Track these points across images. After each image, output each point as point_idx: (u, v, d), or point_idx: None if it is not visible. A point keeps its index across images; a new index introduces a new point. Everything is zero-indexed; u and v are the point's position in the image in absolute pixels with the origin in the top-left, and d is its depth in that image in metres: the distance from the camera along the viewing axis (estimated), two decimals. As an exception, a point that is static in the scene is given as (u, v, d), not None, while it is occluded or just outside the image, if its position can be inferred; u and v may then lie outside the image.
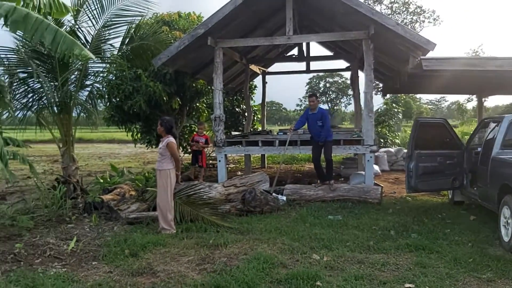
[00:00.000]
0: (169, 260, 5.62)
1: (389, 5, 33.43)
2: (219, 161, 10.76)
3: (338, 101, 78.82)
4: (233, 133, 15.51)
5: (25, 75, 9.64)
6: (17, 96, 9.49)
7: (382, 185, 10.83)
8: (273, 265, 5.33)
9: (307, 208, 8.60)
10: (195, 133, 12.69)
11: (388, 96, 23.20)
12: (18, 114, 9.51)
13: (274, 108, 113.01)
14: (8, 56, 9.47)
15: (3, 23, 5.26)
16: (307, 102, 9.85)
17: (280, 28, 13.03)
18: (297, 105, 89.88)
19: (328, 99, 77.95)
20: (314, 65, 16.84)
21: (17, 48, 9.45)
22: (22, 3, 5.88)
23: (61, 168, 9.97)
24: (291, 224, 7.39)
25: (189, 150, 13.60)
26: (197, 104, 14.20)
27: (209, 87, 13.35)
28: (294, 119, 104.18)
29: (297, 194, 9.44)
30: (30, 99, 9.64)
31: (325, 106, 77.74)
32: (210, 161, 15.45)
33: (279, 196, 9.23)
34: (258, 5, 10.52)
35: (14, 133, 8.87)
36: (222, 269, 5.23)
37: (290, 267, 5.28)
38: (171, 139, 6.98)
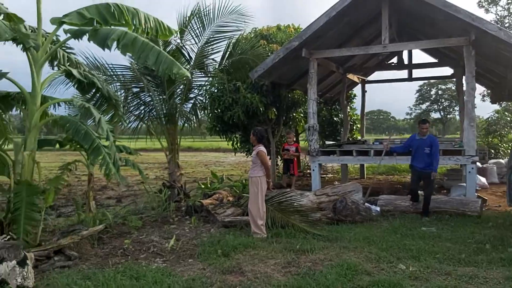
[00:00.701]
0: (257, 262, 5.95)
1: (506, 6, 30.99)
2: (313, 170, 10.95)
3: (451, 109, 74.10)
4: (327, 142, 15.56)
5: (138, 89, 10.77)
6: (131, 108, 10.61)
7: (486, 198, 10.20)
8: (356, 272, 5.40)
9: (401, 219, 8.44)
10: (285, 142, 13.03)
11: (503, 104, 21.64)
12: (131, 125, 10.62)
13: (381, 117, 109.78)
14: (124, 73, 10.66)
15: (116, 46, 6.04)
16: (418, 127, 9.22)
17: (377, 37, 12.91)
18: (407, 113, 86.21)
19: (440, 107, 73.70)
20: (417, 73, 16.37)
21: (131, 66, 10.59)
22: (133, 28, 6.66)
23: (167, 174, 10.89)
24: (381, 234, 7.33)
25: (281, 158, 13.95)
26: (294, 114, 14.53)
27: (305, 97, 13.62)
28: (403, 128, 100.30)
29: (392, 205, 9.29)
30: (142, 111, 10.72)
31: (437, 115, 73.85)
32: (308, 171, 15.66)
33: (372, 207, 9.16)
34: (352, 16, 10.60)
35: (128, 142, 9.92)
36: (305, 273, 5.43)
37: (373, 275, 5.32)
38: (261, 147, 7.37)
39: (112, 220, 8.01)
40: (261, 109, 11.76)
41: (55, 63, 7.13)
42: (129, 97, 10.64)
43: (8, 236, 5.79)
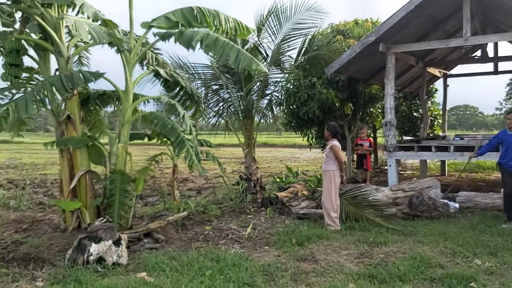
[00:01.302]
0: (330, 252, 6.16)
1: None
2: (390, 166, 10.86)
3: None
4: (405, 138, 15.24)
5: (217, 87, 11.31)
6: (211, 105, 11.18)
7: None
8: (429, 265, 5.44)
9: (480, 216, 8.19)
10: (358, 137, 12.97)
11: None
12: (211, 121, 11.21)
13: (468, 112, 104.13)
14: (204, 71, 11.26)
15: (199, 46, 6.52)
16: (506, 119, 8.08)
17: (460, 30, 12.44)
18: (497, 108, 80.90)
19: (535, 102, 68.49)
20: (504, 66, 15.51)
21: (211, 64, 11.16)
22: (214, 28, 7.10)
23: (244, 168, 11.35)
24: (458, 230, 7.21)
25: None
26: (371, 109, 14.40)
27: (383, 92, 13.46)
28: (492, 125, 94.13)
29: (471, 201, 9.02)
30: (221, 108, 11.26)
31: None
32: (385, 167, 15.45)
33: (451, 203, 8.95)
34: (432, 9, 10.35)
35: (207, 137, 10.50)
36: (378, 264, 5.56)
37: (447, 269, 5.32)
38: (335, 142, 7.53)
39: (194, 208, 8.58)
40: (336, 104, 11.84)
41: (144, 63, 7.80)
42: (209, 94, 11.22)
43: (105, 219, 6.47)
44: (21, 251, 6.29)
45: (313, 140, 14.98)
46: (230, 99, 10.99)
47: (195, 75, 11.09)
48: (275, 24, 10.38)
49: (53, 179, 16.10)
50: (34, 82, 7.53)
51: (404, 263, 5.47)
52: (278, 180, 11.67)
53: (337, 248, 6.35)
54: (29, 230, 8.27)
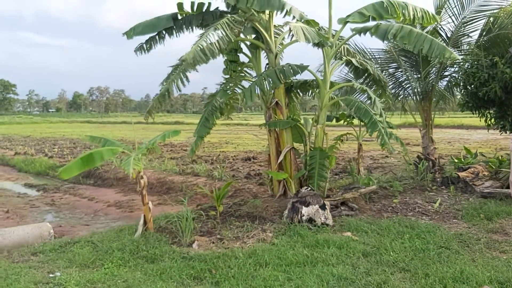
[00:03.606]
0: (520, 227, 6.51)
1: None
2: None
3: None
4: None
5: (393, 70, 11.85)
6: (389, 87, 11.79)
7: None
8: None
9: None
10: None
11: None
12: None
13: None
14: (380, 55, 11.89)
15: (392, 39, 7.28)
16: None
17: None
18: None
19: None
20: None
21: (387, 49, 11.73)
22: (402, 18, 7.76)
23: (421, 148, 11.78)
24: None
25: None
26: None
27: None
28: None
29: None
30: (398, 90, 11.80)
31: None
32: None
33: None
34: None
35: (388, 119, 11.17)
36: None
37: None
38: (527, 123, 7.63)
39: (377, 184, 9.44)
40: (520, 84, 11.41)
41: (338, 54, 8.82)
42: (386, 77, 11.82)
43: (309, 188, 7.73)
44: (244, 210, 7.93)
45: (492, 120, 14.49)
46: (406, 81, 11.45)
47: (372, 60, 11.77)
48: (456, 5, 10.49)
49: (232, 156, 18.43)
50: (243, 74, 9.12)
51: None
52: (456, 160, 11.83)
53: (527, 224, 6.64)
54: (234, 197, 10.08)
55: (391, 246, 5.78)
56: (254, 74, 9.06)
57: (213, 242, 6.34)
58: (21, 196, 12.82)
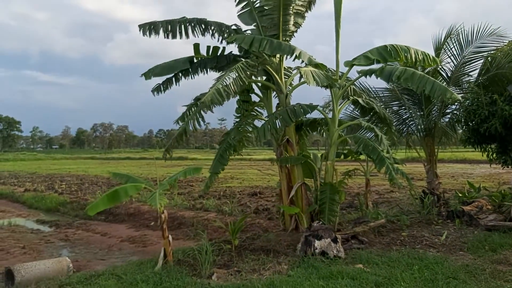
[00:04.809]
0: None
1: None
2: None
3: None
4: None
5: (397, 107, 12.36)
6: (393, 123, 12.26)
7: None
8: None
9: None
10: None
11: None
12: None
13: None
14: (384, 94, 12.42)
15: (397, 81, 7.80)
16: None
17: None
18: None
19: None
20: None
21: (390, 87, 12.28)
22: (404, 60, 8.30)
23: (426, 182, 12.13)
24: None
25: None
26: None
27: None
28: None
29: None
30: (401, 126, 12.26)
31: None
32: None
33: None
34: None
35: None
36: None
37: None
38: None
39: (385, 218, 9.76)
40: (520, 120, 11.87)
41: (345, 94, 9.34)
42: (390, 114, 12.31)
43: (320, 222, 8.06)
44: (257, 244, 8.23)
45: (493, 155, 14.91)
46: (410, 118, 11.93)
47: (376, 98, 12.29)
48: (455, 46, 11.08)
49: (238, 191, 18.75)
50: (254, 113, 9.61)
51: None
52: (460, 195, 12.17)
53: (533, 256, 6.94)
54: (246, 231, 10.38)
55: (402, 276, 6.08)
56: (264, 113, 9.56)
57: (231, 274, 6.63)
58: (35, 232, 13.11)
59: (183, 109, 9.03)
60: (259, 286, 5.93)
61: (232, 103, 8.99)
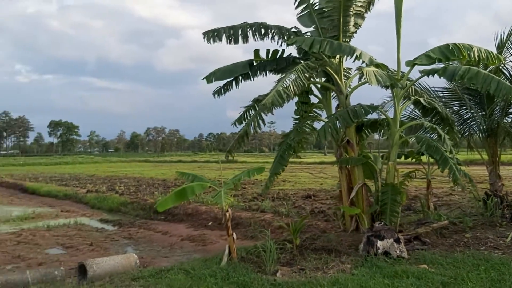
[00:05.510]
0: None
1: None
2: None
3: None
4: None
5: (458, 107, 12.08)
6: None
7: None
8: None
9: None
10: None
11: None
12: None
13: None
14: (444, 94, 12.18)
15: (460, 80, 7.68)
16: None
17: None
18: None
19: None
20: None
21: (450, 87, 12.02)
22: (467, 59, 8.15)
23: (488, 184, 11.79)
24: None
25: None
26: None
27: None
28: None
29: None
30: (462, 127, 11.97)
31: None
32: None
33: None
34: None
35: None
36: None
37: None
38: None
39: (448, 219, 9.59)
40: None
41: (406, 94, 9.27)
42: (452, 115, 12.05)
43: (382, 223, 8.05)
44: (318, 244, 8.33)
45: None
46: (472, 119, 11.63)
47: (436, 98, 12.07)
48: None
49: (292, 193, 18.83)
50: (312, 115, 9.71)
51: None
52: (526, 197, 11.73)
53: None
54: (304, 232, 10.47)
55: (468, 277, 6.01)
56: (323, 114, 9.66)
57: (295, 272, 6.78)
58: (100, 231, 13.77)
59: (233, 113, 9.32)
60: (324, 283, 6.04)
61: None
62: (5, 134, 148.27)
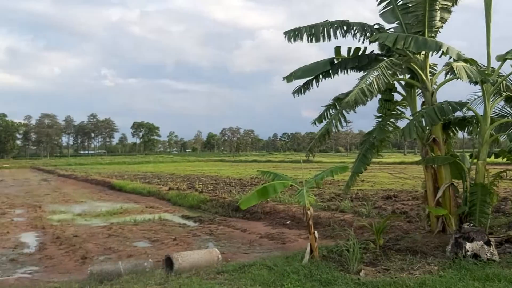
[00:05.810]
0: None
1: None
2: None
3: None
4: None
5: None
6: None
7: None
8: None
9: None
10: None
11: None
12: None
13: None
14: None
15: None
16: None
17: None
18: None
19: None
20: None
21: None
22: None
23: None
24: None
25: None
26: None
27: None
28: None
29: None
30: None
31: None
32: None
33: None
34: None
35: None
36: None
37: None
38: None
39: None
40: None
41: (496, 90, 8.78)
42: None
43: (471, 224, 7.69)
44: (402, 245, 8.12)
45: None
46: None
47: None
48: None
49: (371, 194, 18.39)
50: (394, 112, 9.45)
51: None
52: None
53: None
54: (387, 233, 10.22)
55: None
56: (406, 112, 9.37)
57: (379, 272, 6.67)
58: (182, 226, 14.34)
59: (308, 113, 9.29)
60: (411, 284, 5.90)
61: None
62: (93, 135, 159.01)
